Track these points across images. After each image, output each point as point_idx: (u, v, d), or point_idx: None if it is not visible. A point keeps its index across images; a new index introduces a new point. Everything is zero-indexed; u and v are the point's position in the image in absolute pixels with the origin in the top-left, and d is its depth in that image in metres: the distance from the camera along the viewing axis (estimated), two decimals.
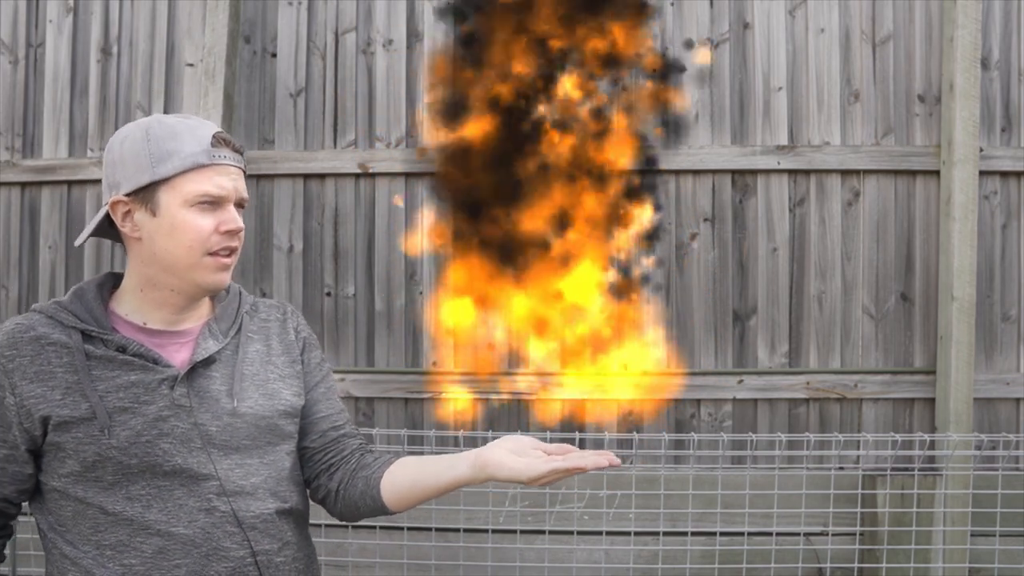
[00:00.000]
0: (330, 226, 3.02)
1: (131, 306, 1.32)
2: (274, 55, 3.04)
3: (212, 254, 1.28)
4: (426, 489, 1.35)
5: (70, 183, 3.05)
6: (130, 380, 1.24)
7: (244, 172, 1.33)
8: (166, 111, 3.02)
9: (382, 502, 1.38)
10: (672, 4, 2.97)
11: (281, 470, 1.35)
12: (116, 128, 3.04)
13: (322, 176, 3.01)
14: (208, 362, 1.30)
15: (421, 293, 2.99)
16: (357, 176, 3.00)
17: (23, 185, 3.06)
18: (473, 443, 2.86)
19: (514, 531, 2.68)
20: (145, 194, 1.26)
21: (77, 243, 1.38)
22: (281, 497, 1.33)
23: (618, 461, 1.22)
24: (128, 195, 1.26)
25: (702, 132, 2.96)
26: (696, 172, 2.96)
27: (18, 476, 1.28)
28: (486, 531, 2.63)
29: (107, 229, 1.33)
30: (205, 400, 1.28)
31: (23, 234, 3.07)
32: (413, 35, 3.02)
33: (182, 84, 3.04)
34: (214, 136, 1.28)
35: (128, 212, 1.28)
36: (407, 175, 2.99)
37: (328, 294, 3.00)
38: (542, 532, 2.72)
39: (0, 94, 3.09)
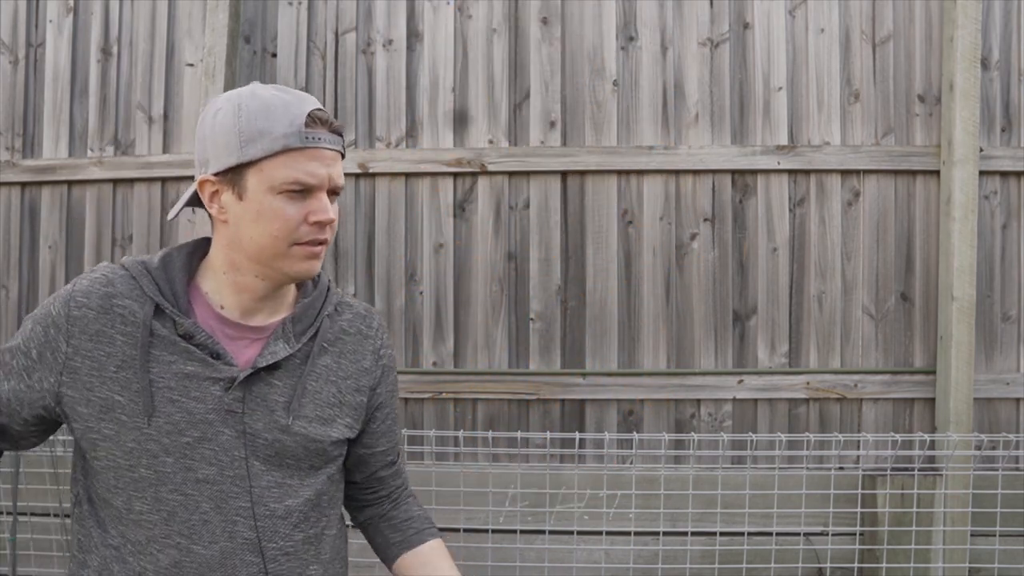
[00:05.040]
0: None
1: (213, 285, 1.23)
2: (274, 55, 3.04)
3: (300, 244, 1.18)
4: None
5: (70, 183, 3.05)
6: (185, 371, 1.16)
7: (343, 154, 1.22)
8: (166, 111, 3.03)
9: (390, 568, 1.39)
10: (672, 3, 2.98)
11: (320, 495, 1.27)
12: (116, 128, 3.04)
13: None
14: (272, 367, 1.21)
15: (421, 293, 2.99)
16: (357, 176, 3.00)
17: (23, 185, 3.06)
18: (473, 443, 2.87)
19: (514, 531, 2.68)
20: (233, 175, 1.16)
21: (169, 217, 1.28)
22: (311, 522, 1.25)
23: None
24: (216, 175, 1.17)
25: (702, 132, 2.97)
26: (696, 172, 2.96)
27: (17, 418, 1.20)
28: (486, 531, 2.64)
29: (199, 200, 1.25)
30: (260, 408, 1.20)
31: (23, 234, 3.07)
32: (413, 35, 3.02)
33: (182, 84, 3.04)
34: (310, 115, 1.16)
35: (216, 192, 1.19)
36: (407, 175, 2.99)
37: None
38: (542, 532, 2.72)
39: (0, 94, 3.09)
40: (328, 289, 1.32)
